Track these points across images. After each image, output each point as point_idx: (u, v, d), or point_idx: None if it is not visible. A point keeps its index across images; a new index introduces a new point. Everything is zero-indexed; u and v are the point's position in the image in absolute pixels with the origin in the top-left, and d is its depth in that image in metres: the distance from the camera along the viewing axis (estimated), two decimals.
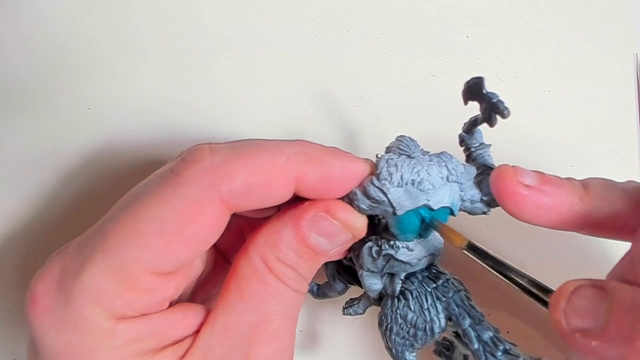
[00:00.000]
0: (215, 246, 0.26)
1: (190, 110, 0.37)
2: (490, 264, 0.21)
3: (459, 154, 0.25)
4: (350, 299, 0.27)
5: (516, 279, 0.20)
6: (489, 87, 0.22)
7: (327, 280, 0.28)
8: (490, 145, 0.25)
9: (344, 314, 0.27)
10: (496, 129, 0.23)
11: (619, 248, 0.22)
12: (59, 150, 0.36)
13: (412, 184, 0.21)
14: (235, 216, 0.26)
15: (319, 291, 0.28)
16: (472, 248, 0.21)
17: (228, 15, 0.39)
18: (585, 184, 0.22)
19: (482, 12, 0.40)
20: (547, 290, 0.20)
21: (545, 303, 0.20)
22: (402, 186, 0.21)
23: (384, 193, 0.21)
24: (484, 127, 0.24)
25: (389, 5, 0.40)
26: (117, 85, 0.37)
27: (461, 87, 0.23)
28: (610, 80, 0.38)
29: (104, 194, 0.35)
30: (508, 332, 0.31)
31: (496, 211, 0.23)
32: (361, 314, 0.27)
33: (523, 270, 0.21)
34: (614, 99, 0.38)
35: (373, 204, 0.21)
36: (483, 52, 0.39)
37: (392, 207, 0.21)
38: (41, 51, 0.38)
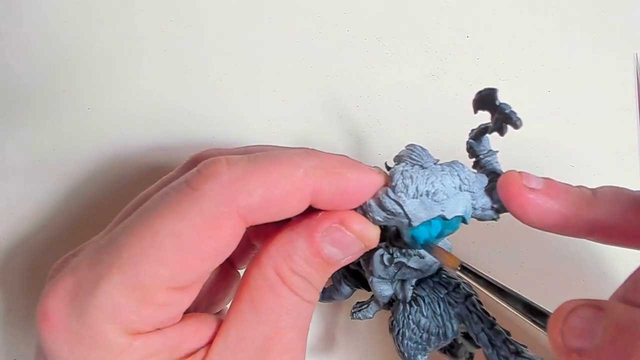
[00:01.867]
0: None
1: (190, 110, 0.37)
2: (483, 284, 0.21)
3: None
4: (359, 302, 0.27)
5: (509, 301, 0.21)
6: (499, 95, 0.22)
7: (332, 284, 0.28)
8: (497, 151, 0.25)
9: (352, 318, 0.27)
10: None
11: (618, 250, 0.22)
12: (59, 150, 0.36)
13: (427, 195, 0.21)
14: None
15: (325, 294, 0.28)
16: (465, 269, 0.22)
17: (228, 16, 0.39)
18: (595, 191, 0.22)
19: (482, 12, 0.40)
20: (539, 312, 0.20)
21: (538, 324, 0.20)
22: (417, 198, 0.21)
23: (400, 205, 0.21)
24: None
25: (389, 5, 0.40)
26: (117, 85, 0.37)
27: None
28: (610, 80, 0.38)
29: (104, 194, 0.35)
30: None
31: None
32: (370, 318, 0.27)
33: (515, 291, 0.21)
34: (614, 99, 0.38)
35: (388, 216, 0.21)
36: (483, 52, 0.39)
37: (408, 218, 0.21)
38: (41, 52, 0.38)
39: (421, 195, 0.21)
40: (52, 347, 0.19)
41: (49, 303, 0.19)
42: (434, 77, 0.38)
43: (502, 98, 0.23)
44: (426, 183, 0.21)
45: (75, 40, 0.38)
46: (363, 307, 0.27)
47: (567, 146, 0.36)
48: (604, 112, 0.37)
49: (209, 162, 0.20)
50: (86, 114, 0.36)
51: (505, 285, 0.21)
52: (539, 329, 0.20)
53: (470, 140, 0.25)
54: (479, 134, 0.24)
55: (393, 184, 0.21)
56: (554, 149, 0.36)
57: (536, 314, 0.20)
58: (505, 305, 0.21)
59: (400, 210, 0.21)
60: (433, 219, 0.21)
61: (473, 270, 0.22)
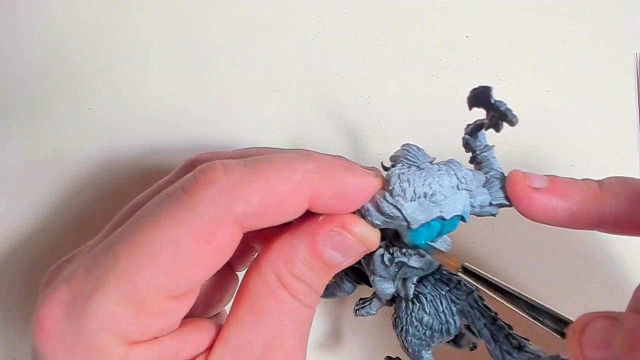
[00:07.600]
0: None
1: (191, 110, 0.37)
2: (485, 285, 0.21)
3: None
4: (362, 299, 0.27)
5: (512, 301, 0.21)
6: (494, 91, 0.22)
7: (334, 281, 0.28)
8: (493, 146, 0.25)
9: (356, 315, 0.27)
10: None
11: (619, 250, 0.22)
12: (59, 150, 0.36)
13: (425, 197, 0.21)
14: None
15: (327, 291, 0.28)
16: (467, 271, 0.22)
17: (228, 16, 0.39)
18: (601, 184, 0.22)
19: (482, 12, 0.40)
20: (542, 311, 0.20)
21: (541, 322, 0.20)
22: (415, 200, 0.21)
23: (399, 209, 0.21)
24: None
25: (389, 5, 0.40)
26: (118, 85, 0.37)
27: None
28: (610, 80, 0.38)
29: (104, 195, 0.35)
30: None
31: None
32: (373, 314, 0.27)
33: (518, 291, 0.21)
34: (614, 99, 0.38)
35: (387, 220, 0.21)
36: (483, 52, 0.39)
37: (407, 222, 0.21)
38: (41, 52, 0.38)
39: (419, 198, 0.21)
40: (49, 358, 0.18)
41: (45, 313, 0.18)
42: (434, 77, 0.38)
43: (501, 98, 0.23)
44: (423, 185, 0.21)
45: (75, 40, 0.38)
46: (366, 303, 0.27)
47: (567, 146, 0.36)
48: (604, 112, 0.37)
49: (205, 168, 0.20)
50: (86, 114, 0.36)
51: (507, 285, 0.21)
52: (543, 327, 0.20)
53: (466, 136, 0.25)
54: (474, 130, 0.24)
55: (390, 187, 0.21)
56: (554, 149, 0.36)
57: (540, 313, 0.20)
58: (508, 305, 0.21)
59: (399, 214, 0.21)
60: (432, 220, 0.21)
61: (475, 271, 0.22)
